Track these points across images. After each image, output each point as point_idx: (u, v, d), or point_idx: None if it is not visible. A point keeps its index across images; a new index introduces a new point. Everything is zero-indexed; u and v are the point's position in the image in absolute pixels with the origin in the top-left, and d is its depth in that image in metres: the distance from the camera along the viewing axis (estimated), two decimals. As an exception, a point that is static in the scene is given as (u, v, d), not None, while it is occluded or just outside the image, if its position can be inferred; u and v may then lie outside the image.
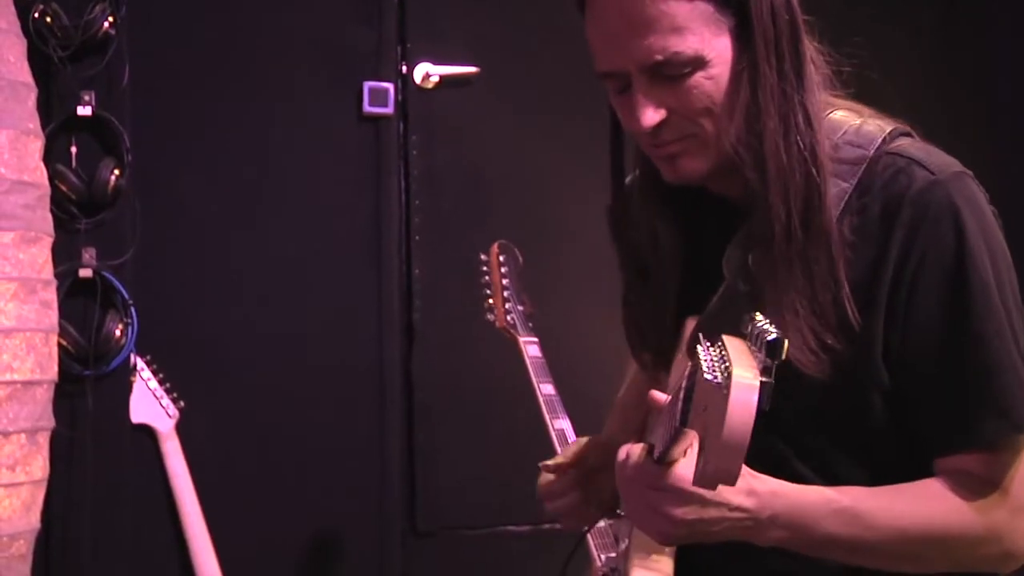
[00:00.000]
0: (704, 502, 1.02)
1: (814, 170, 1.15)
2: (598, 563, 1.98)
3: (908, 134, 1.22)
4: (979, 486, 1.13)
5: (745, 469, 1.00)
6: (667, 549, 1.22)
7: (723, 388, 0.85)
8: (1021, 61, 3.14)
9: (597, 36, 1.18)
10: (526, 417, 2.27)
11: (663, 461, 1.02)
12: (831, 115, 1.21)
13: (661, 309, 1.29)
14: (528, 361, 2.22)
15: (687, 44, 1.13)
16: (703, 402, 0.88)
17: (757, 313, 0.91)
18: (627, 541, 1.26)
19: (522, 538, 2.84)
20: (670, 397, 1.03)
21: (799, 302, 1.14)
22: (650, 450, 1.05)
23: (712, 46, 1.14)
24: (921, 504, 1.13)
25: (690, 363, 0.95)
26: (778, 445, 1.18)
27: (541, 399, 2.17)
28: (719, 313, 1.21)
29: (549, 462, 1.40)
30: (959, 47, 3.17)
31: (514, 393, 2.38)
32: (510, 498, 2.77)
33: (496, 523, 2.85)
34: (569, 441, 2.05)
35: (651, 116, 1.16)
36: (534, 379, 2.20)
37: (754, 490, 1.07)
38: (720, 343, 0.91)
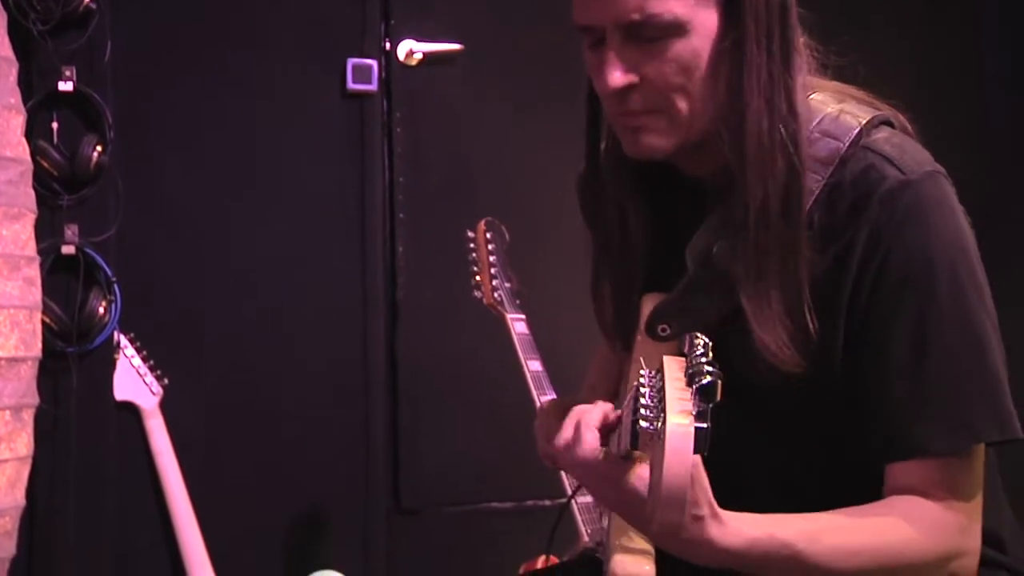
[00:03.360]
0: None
1: (796, 159, 1.12)
2: (585, 537, 2.01)
3: (888, 122, 1.19)
4: (932, 508, 1.10)
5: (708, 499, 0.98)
6: None
7: (658, 437, 0.84)
8: (1009, 48, 3.13)
9: None
10: (511, 394, 2.26)
11: (625, 458, 1.00)
12: (810, 98, 1.17)
13: (626, 288, 1.26)
14: (515, 337, 2.22)
15: (668, 7, 1.09)
16: (648, 439, 0.87)
17: (697, 336, 0.89)
18: (609, 517, 1.25)
19: (506, 514, 2.84)
20: (626, 401, 0.99)
21: (774, 294, 1.11)
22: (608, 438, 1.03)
23: (696, 15, 1.11)
24: (875, 539, 1.08)
25: (634, 386, 0.93)
26: (739, 446, 1.14)
27: (528, 375, 2.18)
28: (678, 302, 1.18)
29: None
30: (947, 36, 3.16)
31: (499, 370, 2.38)
32: (494, 475, 2.81)
33: (480, 500, 2.85)
34: None
35: (619, 78, 1.12)
36: (521, 355, 2.21)
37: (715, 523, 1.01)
38: (660, 372, 0.89)
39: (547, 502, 2.68)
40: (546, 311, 2.42)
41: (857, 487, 1.14)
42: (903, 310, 1.11)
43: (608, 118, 1.20)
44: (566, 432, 1.04)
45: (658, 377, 0.89)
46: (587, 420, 1.03)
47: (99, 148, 2.54)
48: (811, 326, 1.10)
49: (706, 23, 1.11)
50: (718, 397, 0.84)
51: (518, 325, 2.24)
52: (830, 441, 1.16)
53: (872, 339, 1.12)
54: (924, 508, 1.10)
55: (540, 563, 1.95)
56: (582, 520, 2.02)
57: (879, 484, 1.13)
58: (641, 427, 0.86)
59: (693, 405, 0.83)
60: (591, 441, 1.01)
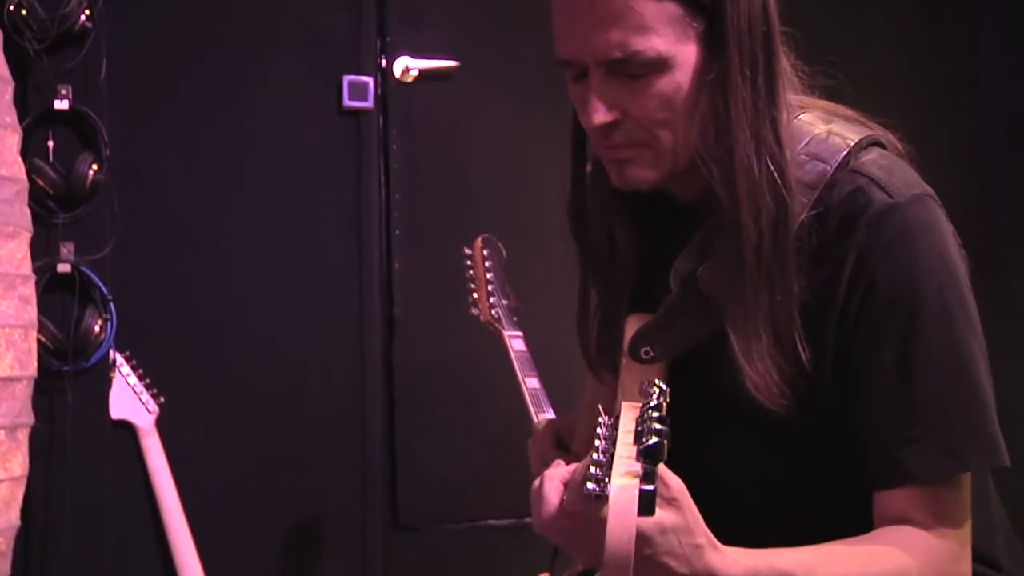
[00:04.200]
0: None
1: (784, 190, 1.11)
2: None
3: (878, 143, 1.18)
4: (923, 537, 1.09)
5: (700, 528, 0.96)
6: None
7: (604, 501, 0.83)
8: (1007, 56, 3.13)
9: (559, 21, 1.14)
10: (509, 411, 2.24)
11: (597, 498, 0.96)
12: (795, 120, 1.16)
13: (613, 310, 1.25)
14: (513, 355, 2.20)
15: (650, 44, 1.09)
16: (591, 495, 0.86)
17: (654, 383, 0.88)
18: None
19: (505, 531, 2.82)
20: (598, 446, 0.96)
21: (763, 329, 1.10)
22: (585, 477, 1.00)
23: (679, 51, 1.10)
24: (869, 569, 1.07)
25: (595, 432, 0.92)
26: (725, 475, 1.15)
27: (526, 393, 2.16)
28: (662, 324, 1.17)
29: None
30: (944, 44, 3.16)
31: (497, 388, 2.36)
32: (493, 492, 2.79)
33: (479, 517, 2.84)
34: None
35: (603, 115, 1.12)
36: (519, 373, 2.18)
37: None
38: (614, 423, 0.88)
39: (547, 519, 2.67)
40: (544, 328, 2.33)
41: (852, 501, 1.14)
42: (889, 334, 1.10)
43: (594, 148, 1.20)
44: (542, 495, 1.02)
45: (613, 427, 0.88)
46: (550, 475, 1.01)
47: (95, 166, 2.54)
48: (803, 355, 1.10)
49: (689, 57, 1.11)
50: (664, 457, 0.83)
51: (516, 342, 2.22)
52: (822, 457, 1.16)
53: (858, 363, 1.11)
54: (915, 537, 1.09)
55: (541, 582, 1.98)
56: None
57: (858, 504, 1.13)
58: (588, 489, 0.85)
59: (640, 466, 0.82)
60: (551, 498, 0.99)
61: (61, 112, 2.53)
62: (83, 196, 2.53)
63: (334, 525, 2.77)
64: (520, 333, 2.25)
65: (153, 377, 2.60)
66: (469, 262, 2.32)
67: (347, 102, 2.77)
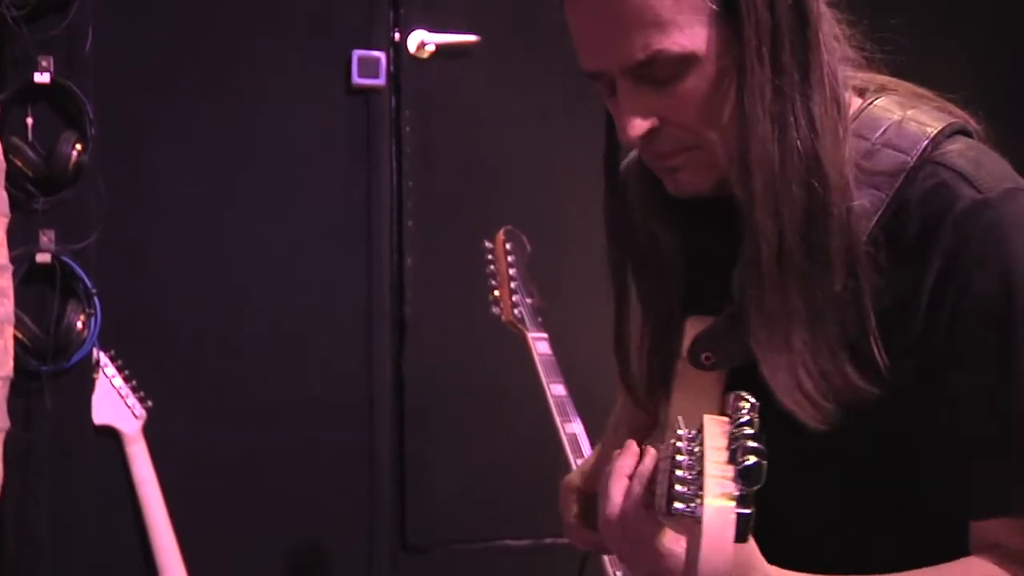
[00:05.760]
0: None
1: (816, 181, 1.05)
2: None
3: (964, 131, 1.12)
4: (1018, 564, 1.06)
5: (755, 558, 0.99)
6: None
7: (696, 521, 0.83)
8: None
9: (576, 33, 1.10)
10: (531, 421, 2.25)
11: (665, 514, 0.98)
12: (871, 106, 1.12)
13: (666, 313, 1.22)
14: (537, 359, 2.20)
15: (672, 40, 1.05)
16: (680, 515, 0.87)
17: (742, 397, 0.89)
18: None
19: (524, 553, 2.80)
20: (663, 455, 0.97)
21: (795, 337, 1.06)
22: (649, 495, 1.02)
23: (703, 41, 1.06)
24: None
25: (671, 444, 0.92)
26: (786, 506, 1.08)
27: (551, 400, 2.15)
28: (724, 330, 1.14)
29: None
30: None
31: (518, 395, 2.38)
32: (510, 509, 2.77)
33: (495, 537, 2.82)
34: (582, 447, 2.08)
35: (638, 126, 1.08)
36: (543, 378, 2.18)
37: None
38: (700, 434, 0.89)
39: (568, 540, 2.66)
40: (571, 330, 2.39)
41: (923, 539, 1.10)
42: (983, 348, 1.06)
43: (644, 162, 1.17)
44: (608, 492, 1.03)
45: (697, 441, 0.88)
46: (618, 468, 1.03)
47: (79, 146, 2.47)
48: (877, 356, 1.05)
49: (712, 44, 1.07)
50: (762, 480, 0.83)
51: (540, 345, 2.22)
52: (881, 488, 1.12)
53: (947, 381, 1.07)
54: (1011, 566, 1.05)
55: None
56: (609, 560, 1.99)
57: (934, 533, 1.09)
58: (676, 508, 0.85)
59: (736, 488, 0.83)
60: (618, 494, 1.01)
61: (42, 86, 2.46)
62: (65, 179, 2.47)
63: (337, 545, 2.75)
64: (545, 335, 2.25)
65: (140, 379, 2.56)
66: (490, 256, 2.31)
67: (356, 80, 2.73)
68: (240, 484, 2.64)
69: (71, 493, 2.48)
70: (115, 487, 2.51)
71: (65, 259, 2.46)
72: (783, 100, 1.05)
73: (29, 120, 2.45)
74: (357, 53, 2.71)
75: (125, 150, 2.56)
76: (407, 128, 2.77)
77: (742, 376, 1.11)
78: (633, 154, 1.23)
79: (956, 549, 1.08)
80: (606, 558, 1.96)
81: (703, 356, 1.14)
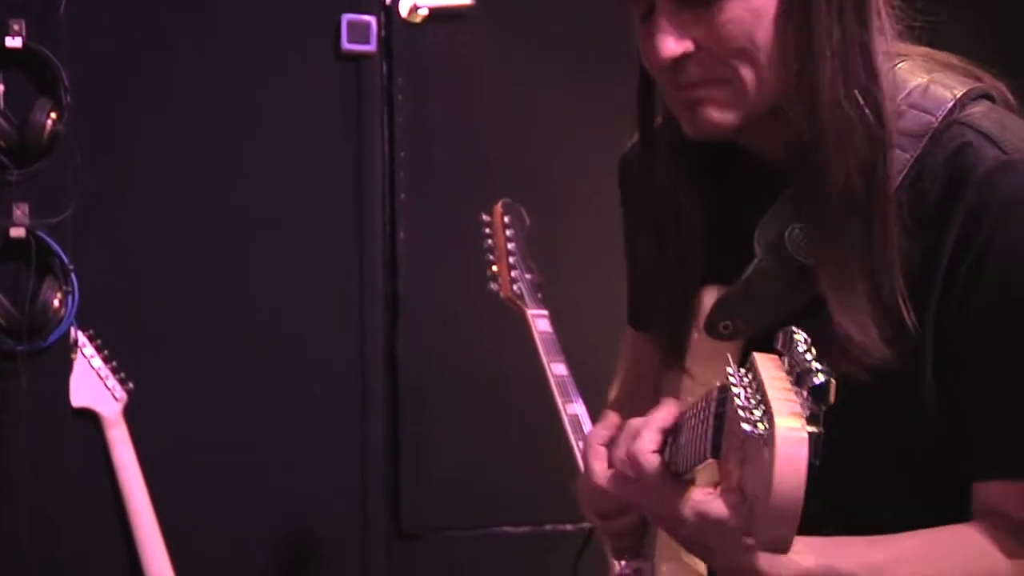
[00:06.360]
0: (719, 534, 0.98)
1: (879, 130, 1.08)
2: (617, 567, 1.85)
3: (987, 95, 1.14)
4: (1009, 535, 1.08)
5: None
6: None
7: (765, 443, 0.83)
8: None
9: None
10: (531, 402, 2.26)
11: (682, 477, 1.01)
12: (896, 68, 1.13)
13: (683, 283, 1.23)
14: (537, 336, 2.20)
15: None
16: (739, 446, 0.88)
17: (795, 331, 0.88)
18: (652, 541, 1.27)
19: (522, 540, 2.81)
20: (693, 409, 0.99)
21: (860, 282, 1.08)
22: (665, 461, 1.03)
23: None
24: (954, 563, 1.08)
25: (718, 386, 0.94)
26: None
27: (552, 380, 2.16)
28: (745, 294, 1.16)
29: None
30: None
31: (518, 374, 2.38)
32: (508, 495, 2.77)
33: (492, 524, 2.81)
34: (584, 429, 2.08)
35: (672, 46, 1.08)
36: (544, 357, 2.18)
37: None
38: (752, 368, 0.89)
39: (569, 526, 2.64)
40: (572, 307, 2.40)
41: (930, 505, 1.11)
42: (1003, 310, 1.07)
43: (665, 98, 1.17)
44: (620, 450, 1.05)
45: (751, 376, 0.89)
46: (650, 423, 1.03)
47: (53, 115, 2.45)
48: (906, 316, 1.07)
49: None
50: (832, 399, 0.84)
51: (540, 322, 2.22)
52: (907, 453, 1.13)
53: (966, 341, 1.08)
54: (1001, 535, 1.06)
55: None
56: (610, 548, 1.93)
57: (957, 504, 1.10)
58: (744, 430, 0.84)
59: (803, 407, 0.83)
60: (648, 447, 1.01)
61: (13, 51, 2.44)
62: (40, 149, 2.45)
63: (328, 533, 2.74)
64: (545, 312, 2.25)
65: (120, 359, 2.55)
66: (487, 230, 2.31)
67: (346, 45, 2.72)
68: (225, 468, 2.63)
69: (49, 478, 2.47)
70: (95, 472, 2.50)
71: (40, 234, 2.44)
72: (846, 42, 1.07)
73: (0, 87, 2.43)
74: (346, 17, 2.70)
75: (102, 119, 2.54)
76: (399, 96, 2.76)
77: (758, 349, 1.11)
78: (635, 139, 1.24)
79: (955, 516, 1.09)
80: (606, 546, 1.98)
81: (722, 325, 1.15)
